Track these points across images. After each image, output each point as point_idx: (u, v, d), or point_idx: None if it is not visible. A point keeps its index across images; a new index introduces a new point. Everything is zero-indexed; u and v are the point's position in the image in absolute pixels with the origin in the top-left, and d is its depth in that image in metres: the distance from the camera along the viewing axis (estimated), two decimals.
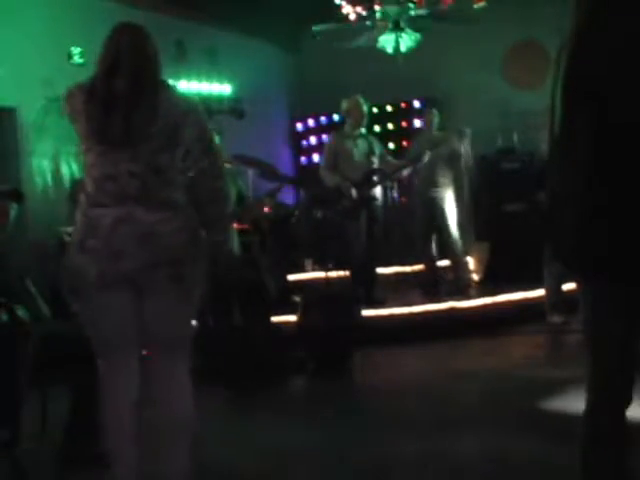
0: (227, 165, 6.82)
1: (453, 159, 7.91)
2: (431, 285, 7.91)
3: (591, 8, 2.12)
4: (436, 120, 8.07)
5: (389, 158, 7.69)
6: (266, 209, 7.48)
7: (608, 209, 2.07)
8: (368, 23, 7.87)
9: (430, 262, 7.97)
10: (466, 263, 8.24)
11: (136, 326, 2.97)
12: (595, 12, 2.11)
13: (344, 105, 7.46)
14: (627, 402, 2.21)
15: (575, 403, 4.33)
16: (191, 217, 3.03)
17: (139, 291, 2.92)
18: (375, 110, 9.47)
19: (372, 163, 7.37)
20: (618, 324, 2.17)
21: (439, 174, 7.82)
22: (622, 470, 2.20)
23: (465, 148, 7.93)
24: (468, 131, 7.79)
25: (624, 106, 2.04)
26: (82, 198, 2.99)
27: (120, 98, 2.89)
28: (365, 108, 7.43)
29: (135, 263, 2.86)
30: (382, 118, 10.06)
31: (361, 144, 7.42)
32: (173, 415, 2.97)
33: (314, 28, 8.23)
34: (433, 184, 7.82)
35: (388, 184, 8.43)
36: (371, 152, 7.40)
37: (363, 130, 7.54)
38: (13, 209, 4.05)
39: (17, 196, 4.12)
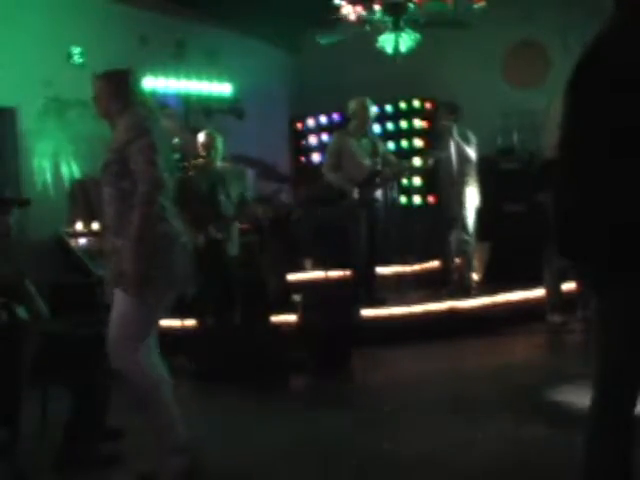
0: (227, 165, 6.85)
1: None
2: (441, 284, 7.84)
3: None
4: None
5: (391, 158, 7.65)
6: (262, 214, 7.45)
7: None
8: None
9: (446, 260, 7.90)
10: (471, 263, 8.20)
11: None
12: None
13: (351, 106, 7.40)
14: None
15: (575, 403, 4.33)
16: None
17: None
18: (375, 110, 9.46)
19: (376, 163, 7.31)
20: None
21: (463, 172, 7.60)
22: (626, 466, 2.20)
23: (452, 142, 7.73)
24: (449, 124, 7.62)
25: None
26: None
27: None
28: (371, 110, 7.38)
29: None
30: (382, 118, 10.06)
31: (365, 144, 7.37)
32: None
33: (320, 40, 8.23)
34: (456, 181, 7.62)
35: (388, 184, 8.41)
36: (375, 152, 7.35)
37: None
38: (14, 215, 4.05)
39: (24, 203, 4.13)
